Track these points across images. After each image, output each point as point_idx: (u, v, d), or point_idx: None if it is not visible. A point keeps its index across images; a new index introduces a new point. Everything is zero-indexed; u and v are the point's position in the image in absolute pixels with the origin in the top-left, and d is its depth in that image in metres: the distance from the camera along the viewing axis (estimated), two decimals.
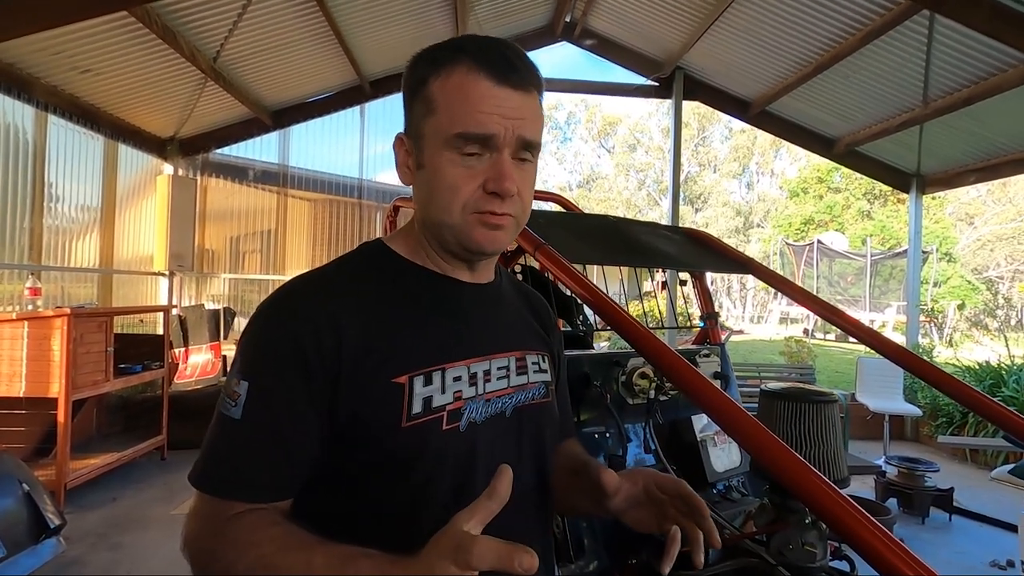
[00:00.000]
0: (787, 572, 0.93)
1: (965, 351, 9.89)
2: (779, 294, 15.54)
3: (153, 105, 4.91)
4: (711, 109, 7.58)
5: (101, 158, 4.97)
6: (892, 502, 3.63)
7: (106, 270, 5.05)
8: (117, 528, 3.16)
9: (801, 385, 1.09)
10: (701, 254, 1.66)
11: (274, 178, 6.33)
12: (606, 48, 6.23)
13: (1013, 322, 16.62)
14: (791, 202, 20.34)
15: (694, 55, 5.65)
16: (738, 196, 25.50)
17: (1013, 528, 3.40)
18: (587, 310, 1.74)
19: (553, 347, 0.85)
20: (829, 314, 1.49)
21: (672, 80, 6.06)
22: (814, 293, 1.87)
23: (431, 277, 0.71)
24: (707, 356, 1.55)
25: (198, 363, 5.11)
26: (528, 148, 0.66)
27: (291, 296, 0.65)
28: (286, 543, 0.56)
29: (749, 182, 25.93)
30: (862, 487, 3.90)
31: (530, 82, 0.66)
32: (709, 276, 1.89)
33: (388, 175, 7.02)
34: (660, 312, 2.51)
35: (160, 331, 4.54)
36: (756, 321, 19.69)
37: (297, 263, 6.38)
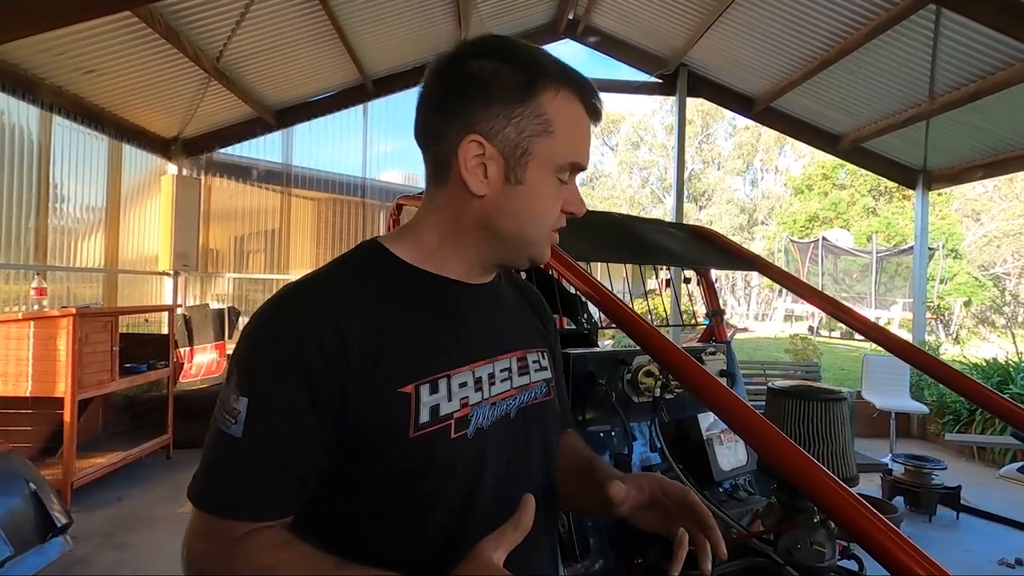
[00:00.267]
0: (795, 572, 0.92)
1: (972, 348, 9.83)
2: (784, 291, 15.54)
3: (157, 105, 4.92)
4: (715, 106, 7.57)
5: (106, 158, 4.99)
6: (899, 500, 3.61)
7: (111, 270, 5.06)
8: (123, 527, 3.17)
9: (809, 383, 1.08)
10: (707, 251, 1.65)
11: (278, 177, 6.34)
12: (609, 45, 6.21)
13: (1020, 319, 16.50)
14: (796, 199, 20.25)
15: (698, 51, 5.62)
16: (742, 193, 25.41)
17: (1021, 526, 3.39)
18: (592, 308, 1.73)
19: (550, 339, 0.84)
20: (836, 311, 1.48)
21: (676, 77, 6.03)
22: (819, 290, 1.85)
23: (430, 279, 0.68)
24: (713, 354, 1.53)
25: (203, 362, 5.13)
26: None
27: (291, 304, 0.62)
28: (300, 567, 0.55)
29: (753, 179, 25.84)
30: (868, 485, 3.88)
31: None
32: (714, 273, 1.88)
33: (391, 174, 7.02)
34: (665, 310, 2.50)
35: (165, 331, 4.55)
36: (761, 319, 19.64)
37: (301, 262, 6.39)
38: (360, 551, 0.59)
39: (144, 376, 4.02)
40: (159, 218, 5.46)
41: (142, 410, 4.39)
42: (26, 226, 4.14)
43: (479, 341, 0.70)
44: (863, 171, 9.53)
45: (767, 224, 22.78)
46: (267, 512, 0.58)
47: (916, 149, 5.44)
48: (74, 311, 3.31)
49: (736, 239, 1.75)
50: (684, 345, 1.62)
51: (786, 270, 1.77)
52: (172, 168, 5.67)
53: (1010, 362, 5.54)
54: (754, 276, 19.67)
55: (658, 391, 1.31)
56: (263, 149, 6.23)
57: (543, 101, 0.63)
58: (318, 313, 0.60)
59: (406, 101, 6.34)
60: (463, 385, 0.65)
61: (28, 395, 3.30)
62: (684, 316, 1.97)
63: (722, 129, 25.30)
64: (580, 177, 0.70)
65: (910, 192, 6.44)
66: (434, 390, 0.63)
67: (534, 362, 0.76)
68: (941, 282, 14.27)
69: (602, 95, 0.70)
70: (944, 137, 5.16)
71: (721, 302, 1.88)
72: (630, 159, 25.33)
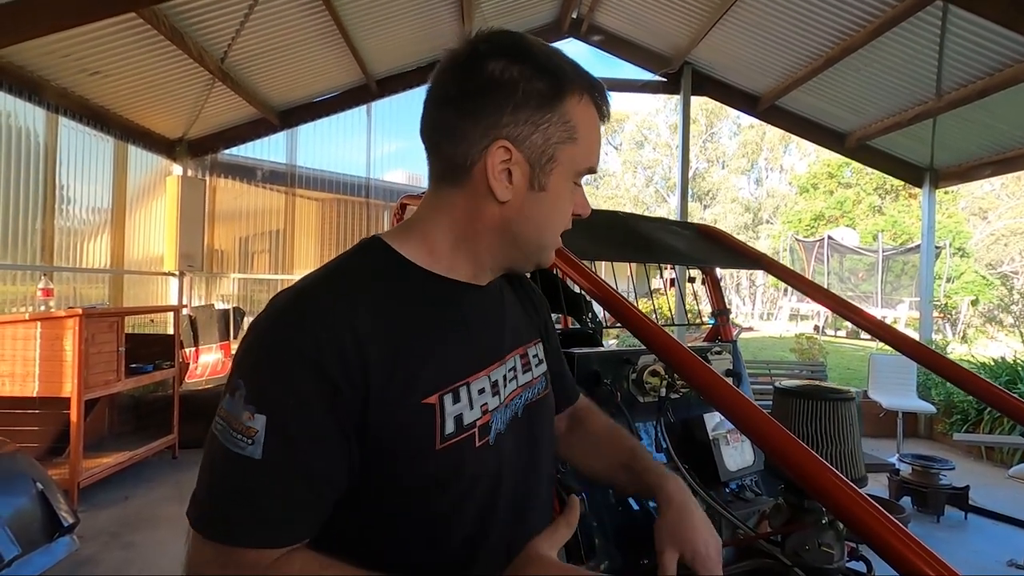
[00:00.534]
0: (803, 573, 0.91)
1: (979, 347, 9.77)
2: (789, 291, 15.48)
3: (162, 106, 4.94)
4: (719, 104, 7.54)
5: (111, 160, 5.01)
6: (906, 500, 3.58)
7: (117, 271, 5.09)
8: (129, 527, 3.18)
9: (817, 382, 1.07)
10: (713, 250, 1.64)
11: (282, 178, 6.35)
12: (613, 44, 6.20)
13: None
14: (801, 198, 20.17)
15: (702, 50, 5.60)
16: (747, 192, 25.33)
17: None
18: (596, 307, 1.72)
19: (541, 323, 0.85)
20: (843, 310, 1.47)
21: (680, 75, 6.01)
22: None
23: (441, 282, 0.66)
24: (719, 353, 1.52)
25: (208, 362, 5.15)
26: None
27: (302, 309, 0.58)
28: None
29: (758, 178, 25.74)
30: (875, 485, 3.85)
31: None
32: (718, 272, 1.87)
33: (395, 174, 7.03)
34: (670, 309, 2.49)
35: (170, 331, 4.57)
36: (766, 318, 19.56)
37: (305, 263, 6.40)
38: (377, 561, 0.58)
39: (150, 376, 4.04)
40: (164, 219, 5.48)
41: (148, 410, 4.41)
42: (33, 227, 4.16)
43: (491, 343, 0.69)
44: (869, 169, 9.48)
45: (772, 223, 22.69)
46: (296, 536, 0.55)
47: (923, 147, 5.40)
48: (80, 312, 3.32)
49: (741, 238, 1.74)
50: (690, 344, 1.61)
51: (792, 269, 1.76)
52: (177, 169, 5.69)
53: (1018, 361, 5.50)
54: (759, 275, 19.60)
55: (664, 391, 1.30)
56: (267, 150, 6.24)
57: (568, 107, 0.63)
58: (334, 318, 0.56)
59: (410, 101, 6.35)
60: (482, 391, 0.65)
61: (35, 395, 3.31)
62: (689, 315, 1.96)
63: (726, 128, 25.23)
64: (584, 177, 0.71)
65: (916, 190, 6.40)
66: (456, 399, 0.61)
67: (534, 356, 0.77)
68: (948, 281, 14.18)
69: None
70: (951, 135, 5.12)
71: (726, 301, 1.87)
72: (634, 158, 25.28)
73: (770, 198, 24.30)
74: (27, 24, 2.98)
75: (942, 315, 13.69)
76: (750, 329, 15.60)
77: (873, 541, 0.63)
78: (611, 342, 5.80)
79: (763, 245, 19.90)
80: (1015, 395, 1.09)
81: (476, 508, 0.63)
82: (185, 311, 5.17)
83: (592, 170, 0.68)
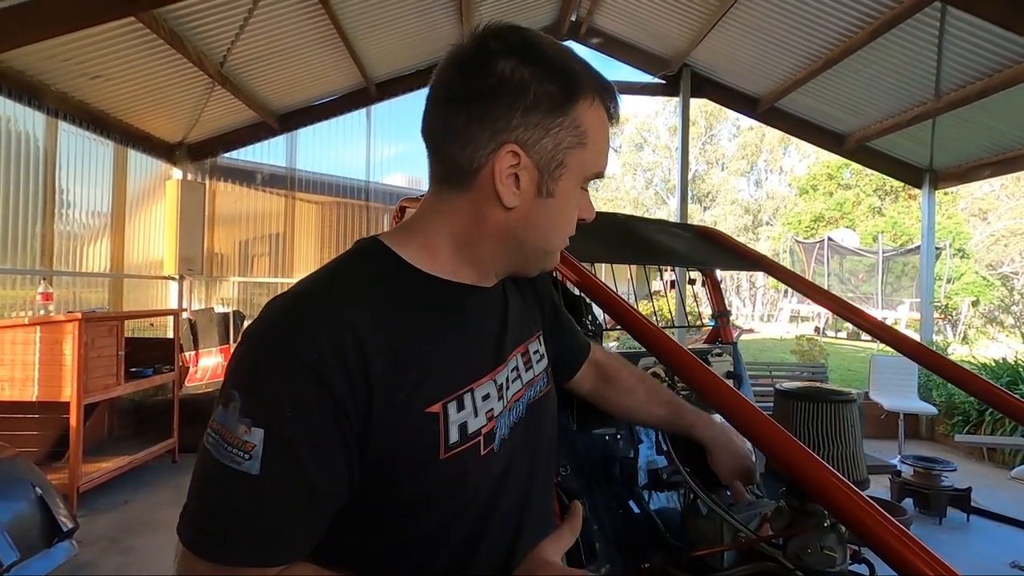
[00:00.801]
0: None
1: (980, 348, 9.76)
2: (789, 292, 15.47)
3: (161, 110, 4.94)
4: (719, 107, 7.54)
5: (111, 163, 5.02)
6: (908, 502, 3.57)
7: (117, 274, 5.09)
8: (129, 531, 3.17)
9: (817, 384, 1.07)
10: (713, 251, 1.64)
11: (282, 181, 6.36)
12: (612, 46, 6.20)
13: None
14: (800, 199, 20.17)
15: (701, 52, 5.61)
16: (746, 194, 25.34)
17: None
18: (596, 309, 1.72)
19: (546, 302, 0.84)
20: (844, 311, 1.46)
21: (679, 78, 6.01)
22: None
23: (444, 286, 0.63)
24: (719, 355, 1.52)
25: (208, 366, 5.14)
26: None
27: (301, 315, 0.55)
28: None
29: (758, 180, 25.76)
30: (877, 487, 3.84)
31: None
32: (719, 274, 1.87)
33: (394, 177, 7.03)
34: (670, 311, 2.48)
35: (170, 335, 4.56)
36: (766, 320, 19.55)
37: (305, 266, 6.40)
38: (376, 565, 0.58)
39: (150, 380, 4.03)
40: (164, 223, 5.48)
41: (148, 414, 4.40)
42: (32, 231, 4.16)
43: (494, 346, 0.67)
44: (868, 171, 9.50)
45: (772, 225, 22.70)
46: (296, 553, 0.54)
47: (922, 148, 5.41)
48: (80, 316, 3.31)
49: (741, 240, 1.73)
50: (690, 346, 1.61)
51: (792, 270, 1.76)
52: (177, 173, 5.70)
53: (1019, 362, 5.49)
54: (759, 277, 19.60)
55: None
56: (267, 153, 6.25)
57: (580, 112, 0.60)
58: (333, 321, 0.54)
59: (409, 104, 6.36)
60: (486, 397, 0.63)
61: (34, 400, 3.31)
62: (690, 317, 1.95)
63: (726, 130, 25.26)
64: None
65: (916, 191, 6.39)
66: (460, 407, 0.60)
67: (535, 352, 0.75)
68: (948, 282, 14.18)
69: None
70: (950, 135, 5.12)
71: (727, 303, 1.86)
72: (634, 160, 25.30)
73: (770, 200, 24.31)
74: (26, 28, 2.99)
75: (943, 316, 13.68)
76: (750, 331, 15.60)
77: (875, 544, 0.63)
78: (611, 345, 5.80)
79: (763, 247, 19.90)
80: (1016, 396, 1.09)
81: (479, 512, 0.62)
82: (185, 315, 5.17)
83: (600, 175, 0.66)
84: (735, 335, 1.81)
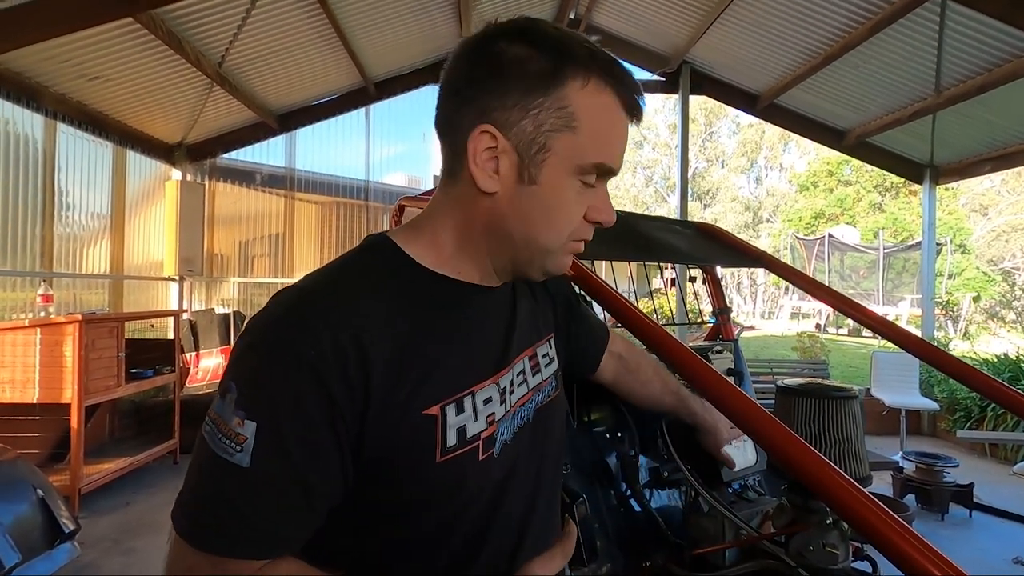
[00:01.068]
0: (807, 574, 0.90)
1: (982, 344, 9.75)
2: (790, 289, 15.45)
3: (160, 111, 4.94)
4: (718, 104, 7.53)
5: (110, 165, 5.01)
6: (910, 498, 3.57)
7: (117, 276, 5.08)
8: (130, 533, 3.17)
9: (819, 381, 1.06)
10: (713, 248, 1.63)
11: (281, 181, 6.35)
12: (611, 44, 6.02)
13: None
14: (801, 196, 20.16)
15: (700, 49, 5.59)
16: (747, 191, 25.32)
17: None
18: (596, 307, 1.71)
19: (562, 301, 0.83)
20: (845, 307, 1.46)
21: (678, 75, 6.00)
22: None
23: (449, 285, 0.62)
24: (720, 352, 1.51)
25: (209, 367, 5.14)
26: None
27: (303, 312, 0.54)
28: None
29: (758, 177, 25.74)
30: (879, 483, 3.84)
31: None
32: (719, 271, 1.86)
33: (394, 176, 7.03)
34: (670, 308, 2.48)
35: (171, 336, 4.56)
36: (767, 317, 19.54)
37: (305, 266, 6.39)
38: (372, 567, 0.57)
39: (150, 381, 4.03)
40: (164, 224, 5.48)
41: (149, 415, 4.40)
42: (32, 233, 4.16)
43: (500, 349, 0.66)
44: (869, 167, 9.48)
45: (772, 222, 22.69)
46: (281, 548, 0.53)
47: (922, 144, 5.39)
48: (80, 317, 3.31)
49: (741, 237, 1.73)
50: (691, 344, 1.60)
51: (793, 267, 1.75)
52: (176, 174, 5.69)
53: (1021, 357, 5.48)
54: (760, 274, 19.58)
55: None
56: (266, 153, 6.24)
57: (567, 92, 0.56)
58: (337, 323, 0.53)
59: (408, 104, 6.36)
60: (488, 401, 0.61)
61: (35, 402, 3.31)
62: (690, 314, 1.95)
63: (726, 127, 25.24)
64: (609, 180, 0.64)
65: (917, 187, 6.40)
66: (460, 410, 0.58)
67: (544, 356, 0.74)
68: (949, 277, 14.17)
69: None
70: (951, 131, 5.11)
71: (727, 300, 1.86)
72: (633, 158, 25.28)
73: (770, 196, 24.30)
74: (24, 30, 2.98)
75: (944, 312, 13.68)
76: (751, 328, 15.59)
77: (878, 541, 0.62)
78: None
79: (764, 244, 19.89)
80: (1018, 391, 1.08)
81: (478, 518, 0.61)
82: (185, 316, 5.17)
83: (606, 169, 0.60)
84: (736, 332, 1.81)
